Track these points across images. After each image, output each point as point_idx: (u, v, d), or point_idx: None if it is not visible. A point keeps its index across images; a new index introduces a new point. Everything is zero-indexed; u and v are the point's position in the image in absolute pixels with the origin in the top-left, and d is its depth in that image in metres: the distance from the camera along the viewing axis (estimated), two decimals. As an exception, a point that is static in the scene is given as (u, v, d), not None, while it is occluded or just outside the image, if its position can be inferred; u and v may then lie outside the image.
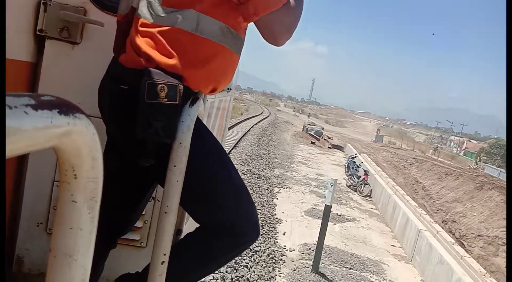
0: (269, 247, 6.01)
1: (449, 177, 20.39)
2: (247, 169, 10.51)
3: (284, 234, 6.97)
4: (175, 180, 1.18)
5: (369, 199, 12.00)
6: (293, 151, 19.63)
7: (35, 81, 1.67)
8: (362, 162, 15.28)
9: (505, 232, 12.99)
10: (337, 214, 9.01)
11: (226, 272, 4.61)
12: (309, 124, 34.05)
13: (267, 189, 9.56)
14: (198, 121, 1.28)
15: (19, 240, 1.77)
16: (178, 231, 1.57)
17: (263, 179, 10.34)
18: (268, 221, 7.25)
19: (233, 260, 4.76)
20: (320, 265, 5.69)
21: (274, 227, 7.13)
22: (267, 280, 5.07)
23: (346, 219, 9.04)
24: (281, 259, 5.84)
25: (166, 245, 1.22)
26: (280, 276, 5.33)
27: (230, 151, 12.74)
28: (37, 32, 1.62)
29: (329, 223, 5.88)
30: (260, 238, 6.01)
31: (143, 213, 1.76)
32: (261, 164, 12.61)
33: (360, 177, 13.04)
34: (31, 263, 1.79)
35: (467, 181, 18.93)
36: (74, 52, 1.69)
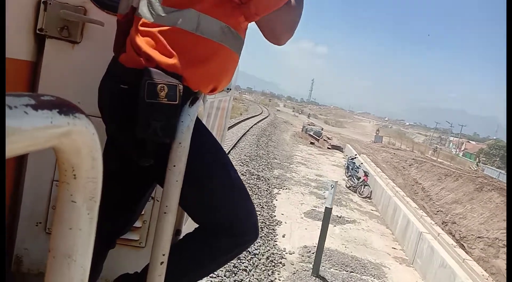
0: (269, 250, 5.94)
1: (449, 178, 20.38)
2: (246, 170, 10.47)
3: (283, 236, 6.91)
4: (174, 180, 1.18)
5: (369, 200, 11.97)
6: (292, 151, 19.61)
7: (35, 80, 1.66)
8: (362, 163, 15.25)
9: (505, 234, 12.97)
10: (337, 215, 8.96)
11: (225, 276, 4.52)
12: (309, 124, 34.08)
13: (266, 190, 9.52)
14: (198, 121, 1.28)
15: (18, 239, 1.76)
16: (177, 231, 1.57)
17: (262, 180, 10.29)
18: (268, 223, 7.20)
19: (232, 264, 4.71)
20: (320, 268, 5.63)
21: (273, 229, 7.08)
22: (267, 284, 5.02)
23: (346, 220, 9.00)
24: (280, 262, 5.78)
25: (165, 245, 1.22)
26: (279, 280, 5.26)
27: (229, 151, 12.71)
28: (37, 31, 1.61)
29: (329, 225, 5.83)
30: (259, 241, 5.95)
31: (142, 213, 1.76)
32: (260, 164, 12.57)
33: (360, 178, 13.01)
34: (30, 263, 1.78)
35: (467, 182, 18.92)
36: (74, 51, 1.69)
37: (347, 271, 6.04)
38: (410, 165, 25.24)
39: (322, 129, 32.20)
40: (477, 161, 59.87)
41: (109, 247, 1.54)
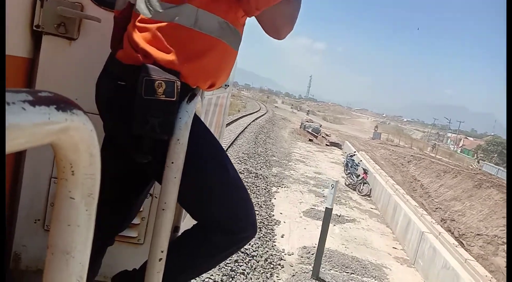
0: (267, 251, 5.86)
1: (448, 174, 20.39)
2: (244, 168, 10.40)
3: (282, 237, 6.85)
4: (172, 177, 1.18)
5: (369, 198, 11.92)
6: (291, 148, 19.55)
7: (32, 77, 1.66)
8: (361, 160, 15.19)
9: (505, 231, 12.96)
10: (336, 214, 8.90)
11: (222, 281, 4.43)
12: (307, 121, 34.01)
13: (264, 189, 9.46)
14: (196, 118, 1.28)
15: (16, 236, 1.77)
16: (175, 228, 1.56)
17: (260, 178, 10.23)
18: (266, 223, 7.12)
19: (229, 267, 4.64)
20: (320, 269, 5.55)
21: (272, 229, 7.01)
22: (265, 287, 4.94)
23: (346, 219, 8.94)
24: (279, 264, 5.69)
25: (164, 242, 1.22)
26: (278, 283, 5.20)
27: (227, 149, 12.63)
28: (34, 28, 1.60)
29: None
30: (257, 242, 5.88)
31: (141, 210, 1.76)
32: (259, 162, 12.51)
33: (359, 175, 12.96)
34: (29, 259, 1.79)
35: (465, 179, 18.92)
36: (71, 48, 1.69)
37: (347, 272, 5.97)
38: (408, 162, 25.24)
39: (320, 126, 32.14)
40: (476, 157, 59.89)
41: (108, 244, 1.54)
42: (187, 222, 1.58)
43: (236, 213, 1.36)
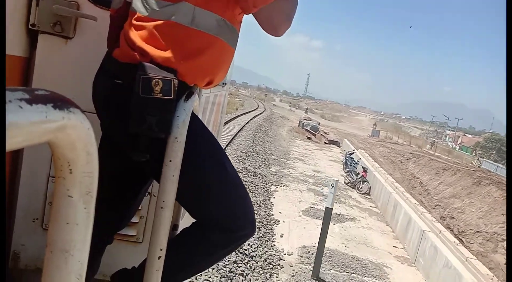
0: (266, 251, 5.80)
1: (447, 172, 20.35)
2: (242, 167, 10.33)
3: (281, 236, 6.78)
4: (170, 175, 1.18)
5: (368, 197, 11.86)
6: (289, 147, 19.49)
7: (28, 76, 1.66)
8: (360, 158, 15.12)
9: (505, 228, 12.92)
10: (336, 213, 8.85)
11: (220, 282, 4.36)
12: (305, 119, 33.94)
13: (263, 188, 9.39)
14: (194, 116, 1.28)
15: (15, 236, 1.77)
16: (174, 226, 1.57)
17: (259, 177, 10.16)
18: (265, 223, 7.05)
19: (228, 269, 4.56)
20: (320, 269, 5.48)
21: (271, 229, 6.94)
22: (264, 288, 4.86)
23: (346, 218, 8.88)
24: (279, 264, 5.63)
25: (163, 240, 1.22)
26: (278, 283, 5.11)
27: (225, 148, 12.54)
28: (30, 27, 1.60)
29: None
30: (256, 242, 5.81)
31: (139, 208, 1.77)
32: (257, 161, 12.44)
33: (359, 174, 12.90)
34: (27, 258, 1.79)
35: (464, 176, 18.89)
36: (68, 47, 1.69)
37: (348, 272, 5.90)
38: (407, 159, 25.20)
39: (319, 124, 32.06)
40: (474, 155, 59.87)
41: (107, 242, 1.54)
42: (186, 220, 1.57)
43: (234, 211, 1.36)
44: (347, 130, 54.26)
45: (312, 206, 9.09)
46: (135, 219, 1.81)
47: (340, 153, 21.28)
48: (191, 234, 1.38)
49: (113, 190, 1.40)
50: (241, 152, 12.60)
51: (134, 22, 1.25)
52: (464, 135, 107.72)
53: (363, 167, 13.26)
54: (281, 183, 10.72)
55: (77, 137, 0.49)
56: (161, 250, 1.22)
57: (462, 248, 6.44)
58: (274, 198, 9.09)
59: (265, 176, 10.69)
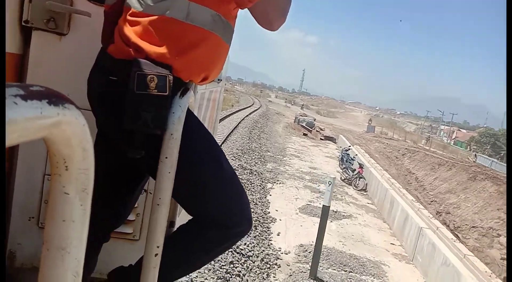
0: (263, 250, 5.73)
1: (442, 167, 20.39)
2: (238, 164, 10.26)
3: (278, 235, 6.72)
4: (167, 172, 1.18)
5: (365, 193, 11.83)
6: (285, 143, 19.43)
7: (22, 73, 1.65)
8: (356, 154, 15.09)
9: (500, 224, 12.95)
10: (333, 210, 8.77)
11: (216, 284, 4.28)
12: (301, 115, 33.90)
13: (259, 185, 9.32)
14: (189, 113, 1.28)
15: (10, 234, 1.77)
16: (171, 223, 1.58)
17: (255, 174, 10.09)
18: (262, 221, 6.99)
19: (224, 270, 4.48)
20: (318, 268, 5.41)
21: (267, 227, 6.88)
22: (261, 289, 4.80)
23: (343, 215, 8.83)
24: (276, 264, 5.57)
25: (160, 237, 1.22)
26: (275, 284, 5.04)
27: (221, 145, 12.45)
28: (23, 24, 1.58)
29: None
30: (253, 241, 5.74)
31: (136, 206, 1.78)
32: (253, 158, 12.36)
33: (355, 170, 12.86)
34: (24, 257, 1.79)
35: (460, 172, 18.93)
36: (62, 43, 1.68)
37: (345, 271, 5.85)
38: (403, 155, 25.22)
39: (314, 120, 32.01)
40: (469, 150, 60.06)
41: (103, 240, 1.54)
42: (183, 217, 1.57)
43: (230, 208, 1.36)
44: (343, 126, 54.29)
45: (309, 203, 9.04)
46: (131, 217, 1.81)
47: (336, 149, 21.25)
48: (188, 231, 1.38)
49: (108, 187, 1.38)
50: (237, 149, 12.52)
51: (128, 17, 1.25)
52: (459, 130, 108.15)
53: (359, 163, 13.22)
54: (278, 180, 10.66)
55: (73, 133, 0.49)
56: (158, 247, 1.22)
57: (460, 245, 6.40)
58: (270, 195, 9.02)
59: (261, 173, 10.63)
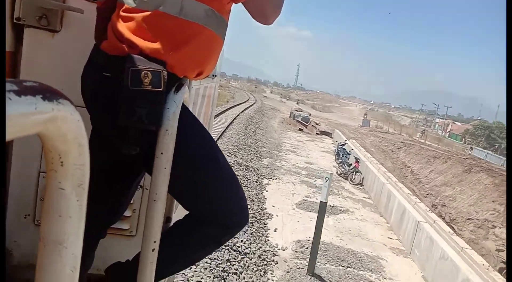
0: (260, 247, 5.71)
1: (438, 160, 20.46)
2: (234, 160, 10.24)
3: (275, 231, 6.70)
4: (162, 167, 1.18)
5: (361, 187, 11.84)
6: (281, 138, 19.42)
7: (15, 71, 1.64)
8: (352, 149, 15.10)
9: (496, 215, 13.03)
10: (329, 205, 8.78)
11: (213, 282, 4.24)
12: (296, 110, 33.87)
13: (255, 181, 9.31)
14: (184, 108, 1.27)
15: (7, 232, 1.76)
16: (167, 218, 1.58)
17: (251, 170, 10.07)
18: (258, 217, 6.97)
19: (221, 268, 4.46)
20: (315, 264, 5.39)
21: (264, 224, 6.86)
22: (259, 286, 4.77)
23: (340, 210, 8.83)
24: (273, 260, 5.54)
25: (156, 232, 1.22)
26: (272, 281, 5.02)
27: (216, 141, 12.40)
28: (15, 21, 1.57)
29: (322, 216, 5.57)
30: (250, 238, 5.72)
31: (132, 202, 1.77)
32: (249, 154, 12.35)
33: (351, 164, 12.87)
34: (20, 255, 1.79)
35: (455, 164, 19.02)
36: (54, 40, 1.67)
37: (343, 266, 5.84)
38: (398, 148, 25.29)
39: (310, 115, 32.00)
40: (464, 142, 60.29)
41: (100, 236, 1.54)
42: (179, 213, 1.57)
43: (226, 203, 1.36)
44: (338, 120, 54.32)
45: (306, 198, 9.04)
46: (127, 213, 1.81)
47: (332, 143, 21.27)
48: (183, 226, 1.38)
49: (102, 183, 1.38)
50: (232, 145, 12.49)
51: (122, 13, 1.24)
52: (453, 123, 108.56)
53: (355, 157, 13.23)
54: (274, 176, 10.65)
55: (68, 129, 0.48)
56: (154, 242, 1.22)
57: (457, 238, 6.42)
58: (267, 191, 9.01)
59: (257, 169, 10.61)
